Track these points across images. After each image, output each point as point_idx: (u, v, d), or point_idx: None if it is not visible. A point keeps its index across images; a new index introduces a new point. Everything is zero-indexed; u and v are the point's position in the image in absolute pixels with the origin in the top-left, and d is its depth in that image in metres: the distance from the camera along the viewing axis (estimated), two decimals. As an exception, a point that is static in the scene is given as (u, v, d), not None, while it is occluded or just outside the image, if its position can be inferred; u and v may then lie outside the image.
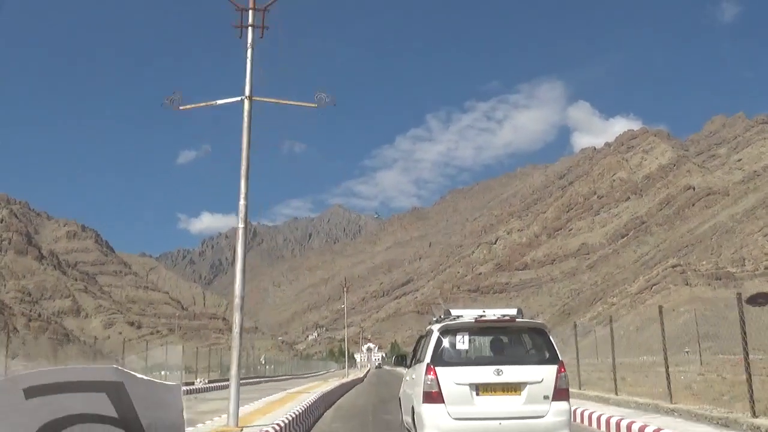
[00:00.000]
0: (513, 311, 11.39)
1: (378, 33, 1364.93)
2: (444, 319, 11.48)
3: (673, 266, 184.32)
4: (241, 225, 14.32)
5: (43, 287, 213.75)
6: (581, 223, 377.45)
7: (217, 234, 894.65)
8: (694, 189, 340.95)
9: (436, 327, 11.23)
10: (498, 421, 10.16)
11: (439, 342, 10.75)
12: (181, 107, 14.45)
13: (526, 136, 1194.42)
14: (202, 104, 15.36)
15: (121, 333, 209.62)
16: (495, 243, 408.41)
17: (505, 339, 11.24)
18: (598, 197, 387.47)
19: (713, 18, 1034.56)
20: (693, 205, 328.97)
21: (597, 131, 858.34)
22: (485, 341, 11.29)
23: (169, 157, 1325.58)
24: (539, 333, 11.09)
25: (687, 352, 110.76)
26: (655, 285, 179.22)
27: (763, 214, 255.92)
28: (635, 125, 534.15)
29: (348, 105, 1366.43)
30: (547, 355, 10.74)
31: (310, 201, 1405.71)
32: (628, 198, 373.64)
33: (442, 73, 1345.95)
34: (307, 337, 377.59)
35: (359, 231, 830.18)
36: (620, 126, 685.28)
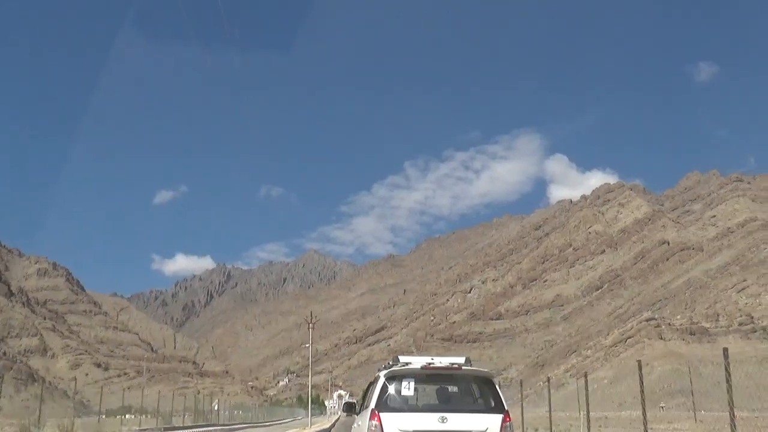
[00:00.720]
0: (461, 360, 11.49)
1: (358, 79, 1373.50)
2: (392, 365, 11.56)
3: (648, 320, 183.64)
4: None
5: (10, 325, 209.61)
6: (556, 275, 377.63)
7: (191, 276, 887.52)
8: (668, 244, 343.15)
9: (382, 373, 11.29)
10: None
11: (384, 388, 10.86)
12: None
13: (502, 187, 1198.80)
14: None
15: (87, 374, 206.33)
16: (470, 292, 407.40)
17: (451, 387, 11.33)
18: (573, 249, 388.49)
19: (690, 77, 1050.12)
20: (667, 259, 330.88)
21: (573, 184, 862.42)
22: (431, 389, 11.44)
23: (145, 196, 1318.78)
24: (486, 382, 11.21)
25: (662, 407, 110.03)
26: (629, 338, 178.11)
27: (737, 270, 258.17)
28: (611, 179, 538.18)
29: (326, 150, 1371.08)
30: (493, 404, 10.79)
31: (285, 245, 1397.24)
32: (603, 251, 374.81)
33: (421, 122, 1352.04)
34: (278, 382, 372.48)
35: (334, 276, 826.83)
36: (596, 179, 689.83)
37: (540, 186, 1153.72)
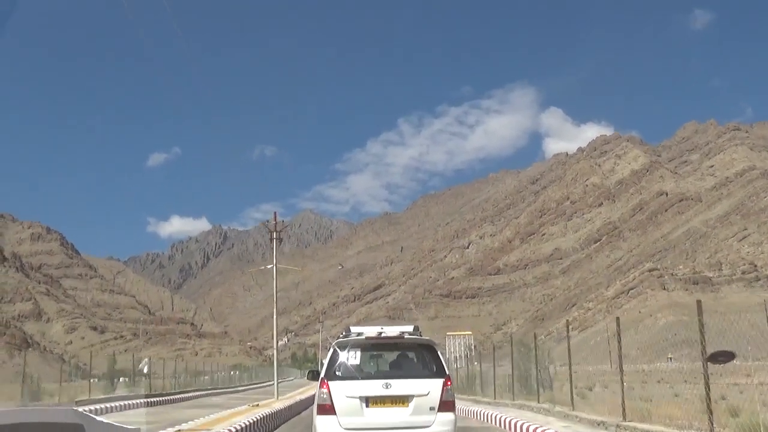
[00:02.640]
0: (410, 328, 12.42)
1: (351, 35, 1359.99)
2: (345, 335, 12.09)
3: (650, 270, 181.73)
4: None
5: (3, 290, 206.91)
6: (554, 229, 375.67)
7: (187, 238, 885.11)
8: (666, 195, 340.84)
9: (333, 343, 11.98)
10: (386, 431, 10.84)
11: (333, 358, 11.51)
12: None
13: (497, 142, 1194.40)
14: None
15: (83, 338, 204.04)
16: (467, 248, 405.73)
17: (395, 355, 12.12)
18: (570, 202, 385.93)
19: (685, 25, 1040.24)
20: (666, 210, 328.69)
21: (569, 137, 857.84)
22: (378, 357, 12.67)
23: (139, 159, 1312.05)
24: (428, 349, 11.83)
25: (670, 358, 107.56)
26: (631, 289, 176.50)
27: (737, 219, 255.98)
28: (607, 131, 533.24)
29: (319, 108, 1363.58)
30: (435, 369, 11.41)
31: (281, 205, 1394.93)
32: (601, 203, 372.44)
33: (414, 77, 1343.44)
34: (278, 342, 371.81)
35: (330, 236, 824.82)
36: (592, 132, 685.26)
37: (535, 140, 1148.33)
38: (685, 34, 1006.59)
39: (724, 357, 11.68)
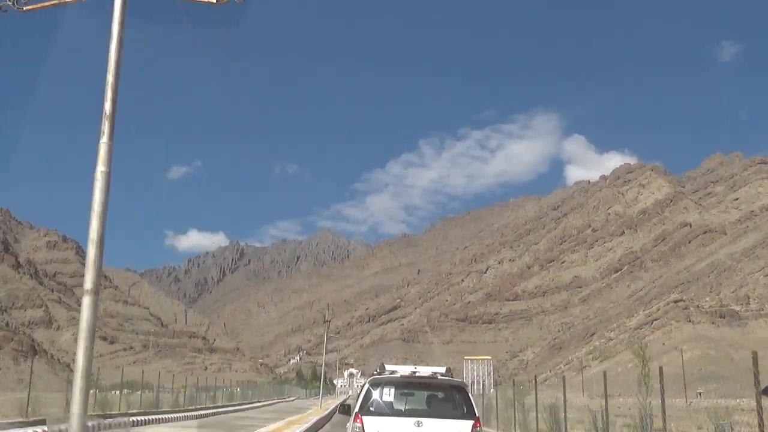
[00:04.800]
0: (442, 369, 12.65)
1: (375, 55, 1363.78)
2: (378, 372, 12.48)
3: (675, 301, 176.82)
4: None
5: (15, 296, 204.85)
6: (574, 256, 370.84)
7: (204, 253, 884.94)
8: (690, 226, 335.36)
9: (367, 380, 12.43)
10: None
11: (368, 394, 11.90)
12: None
13: (519, 167, 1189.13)
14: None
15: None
16: (485, 272, 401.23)
17: (428, 394, 12.32)
18: (592, 230, 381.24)
19: (713, 56, 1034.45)
20: (689, 242, 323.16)
21: (591, 165, 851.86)
22: (410, 395, 12.41)
23: (159, 171, 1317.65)
24: (459, 390, 12.20)
25: (700, 393, 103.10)
26: (655, 320, 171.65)
27: (764, 253, 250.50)
28: (630, 160, 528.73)
29: (341, 127, 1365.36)
30: (465, 411, 11.71)
31: (299, 223, 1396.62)
32: (623, 232, 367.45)
33: (437, 99, 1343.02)
34: (289, 360, 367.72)
35: (347, 256, 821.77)
36: (615, 161, 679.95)
37: (557, 166, 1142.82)
38: (712, 65, 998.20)
39: None
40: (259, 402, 73.31)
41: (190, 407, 47.37)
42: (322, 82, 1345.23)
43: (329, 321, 58.87)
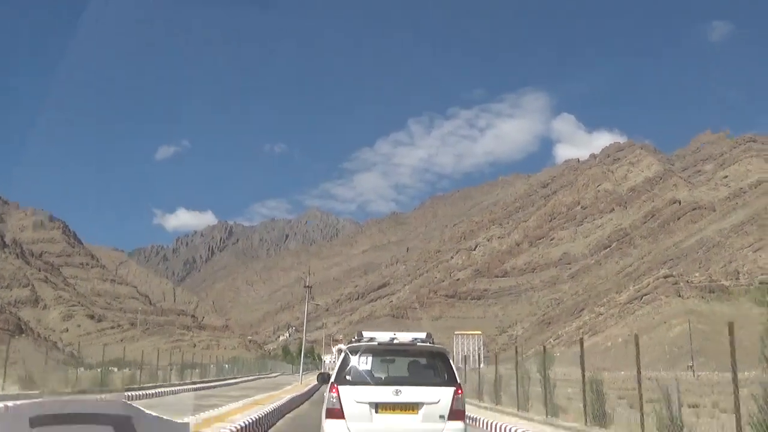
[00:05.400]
0: (423, 335, 12.01)
1: (365, 34, 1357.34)
2: (357, 340, 11.87)
3: (665, 277, 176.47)
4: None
5: (1, 276, 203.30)
6: (564, 233, 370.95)
7: (192, 232, 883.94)
8: (679, 203, 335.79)
9: (344, 348, 11.85)
10: None
11: (345, 362, 11.32)
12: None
13: (508, 146, 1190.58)
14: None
15: (79, 326, 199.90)
16: (474, 249, 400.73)
17: (408, 361, 11.80)
18: (581, 208, 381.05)
19: (703, 36, 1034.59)
20: (678, 219, 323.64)
21: (580, 144, 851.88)
22: (389, 363, 11.88)
23: (147, 151, 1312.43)
24: (440, 357, 11.64)
25: (690, 367, 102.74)
26: (645, 295, 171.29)
27: (753, 230, 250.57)
28: (620, 139, 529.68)
29: (330, 106, 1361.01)
30: (446, 378, 11.23)
31: (287, 201, 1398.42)
32: (613, 209, 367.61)
33: (426, 79, 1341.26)
34: (278, 337, 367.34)
35: (336, 234, 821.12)
36: (604, 140, 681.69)
37: (546, 145, 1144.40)
38: (702, 45, 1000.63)
39: None
40: (236, 378, 70.51)
41: (163, 383, 45.84)
42: (311, 62, 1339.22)
43: (310, 287, 55.58)
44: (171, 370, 58.90)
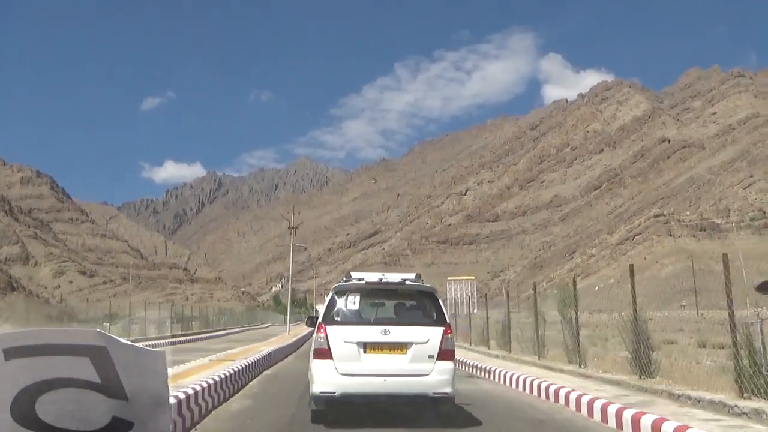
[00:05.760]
0: (412, 276, 12.04)
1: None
2: (345, 281, 11.77)
3: (656, 216, 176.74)
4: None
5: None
6: (553, 175, 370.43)
7: (182, 184, 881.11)
8: (669, 141, 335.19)
9: (332, 288, 11.77)
10: (383, 378, 10.65)
11: (332, 302, 11.29)
12: None
13: (495, 88, 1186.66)
14: None
15: (71, 282, 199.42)
16: (465, 194, 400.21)
17: (396, 301, 11.91)
18: (571, 149, 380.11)
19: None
20: (668, 157, 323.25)
21: (568, 84, 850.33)
22: (378, 303, 12.15)
23: (132, 103, 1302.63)
24: (429, 296, 11.64)
25: (684, 306, 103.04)
26: (637, 236, 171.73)
27: (743, 166, 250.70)
28: (608, 78, 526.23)
29: (315, 52, 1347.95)
30: (435, 317, 11.24)
31: (276, 151, 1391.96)
32: (602, 150, 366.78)
33: (411, 21, 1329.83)
34: (271, 288, 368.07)
35: (326, 182, 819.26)
36: (592, 79, 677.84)
37: (534, 86, 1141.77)
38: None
39: None
40: (224, 330, 67.15)
41: (140, 337, 44.70)
42: (295, 7, 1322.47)
43: (295, 228, 53.62)
44: (155, 324, 57.97)
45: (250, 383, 18.54)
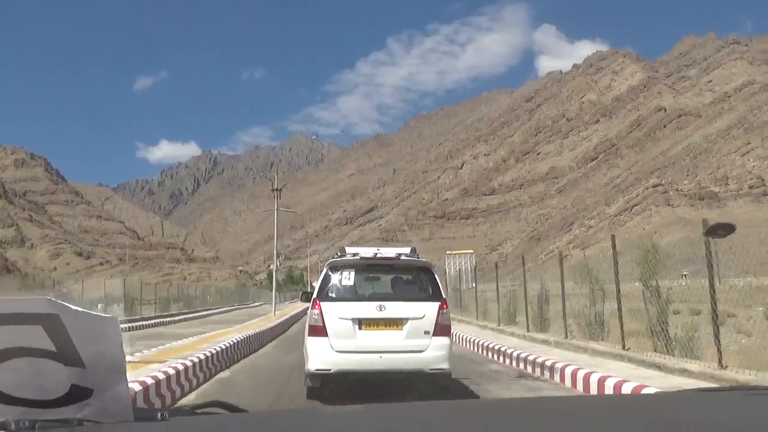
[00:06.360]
0: (407, 250, 11.99)
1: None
2: (339, 256, 11.67)
3: (654, 186, 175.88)
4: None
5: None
6: (550, 147, 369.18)
7: (177, 163, 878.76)
8: (665, 110, 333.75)
9: (327, 263, 11.64)
10: (379, 355, 10.51)
11: (326, 278, 11.11)
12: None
13: (489, 60, 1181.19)
14: None
15: (68, 264, 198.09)
16: (461, 168, 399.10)
17: (391, 276, 11.70)
18: (566, 120, 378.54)
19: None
20: (665, 126, 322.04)
21: (563, 55, 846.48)
22: (373, 279, 12.07)
23: (125, 83, 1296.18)
24: (425, 271, 11.40)
25: (685, 275, 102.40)
26: (635, 206, 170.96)
27: (740, 134, 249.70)
28: (602, 48, 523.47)
29: (308, 27, 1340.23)
30: (431, 292, 11.04)
31: (270, 128, 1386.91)
32: (598, 120, 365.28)
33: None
34: (269, 266, 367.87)
35: (322, 159, 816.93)
36: (586, 49, 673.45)
37: (528, 58, 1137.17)
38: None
39: (723, 230, 10.30)
40: (209, 310, 61.56)
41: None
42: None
43: (279, 190, 47.55)
44: (160, 303, 56.30)
45: (203, 386, 13.15)
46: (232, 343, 17.86)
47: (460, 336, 23.15)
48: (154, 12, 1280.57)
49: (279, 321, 32.72)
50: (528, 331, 22.40)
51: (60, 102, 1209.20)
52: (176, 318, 45.89)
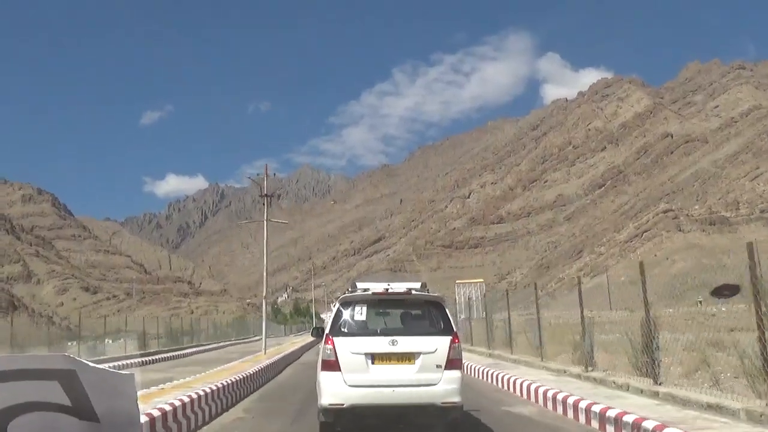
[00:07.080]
0: (417, 285, 11.85)
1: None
2: (350, 291, 11.72)
3: (665, 212, 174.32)
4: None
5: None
6: (557, 175, 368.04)
7: (184, 197, 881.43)
8: (671, 136, 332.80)
9: (338, 299, 11.76)
10: (392, 389, 10.58)
11: (338, 313, 11.24)
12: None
13: (494, 89, 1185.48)
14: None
15: (75, 299, 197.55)
16: (468, 197, 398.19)
17: (402, 311, 11.80)
18: (573, 147, 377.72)
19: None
20: (672, 152, 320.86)
21: (568, 83, 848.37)
22: (384, 313, 11.99)
23: (132, 118, 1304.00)
24: (435, 306, 11.56)
25: (700, 301, 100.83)
26: (646, 232, 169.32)
27: (748, 158, 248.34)
28: (607, 75, 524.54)
29: (312, 61, 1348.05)
30: (442, 326, 11.19)
31: (277, 161, 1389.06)
32: (605, 147, 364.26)
33: (407, 25, 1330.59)
34: (277, 298, 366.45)
35: (328, 190, 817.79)
36: (591, 77, 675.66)
37: (533, 86, 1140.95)
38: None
39: (728, 291, 10.38)
40: (194, 348, 54.58)
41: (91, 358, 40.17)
42: (291, 16, 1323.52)
43: (270, 196, 42.46)
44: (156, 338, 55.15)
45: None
46: (167, 410, 11.66)
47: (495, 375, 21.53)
48: (159, 47, 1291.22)
49: (269, 362, 26.38)
50: (586, 370, 18.55)
51: (67, 137, 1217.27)
52: (155, 357, 41.13)
